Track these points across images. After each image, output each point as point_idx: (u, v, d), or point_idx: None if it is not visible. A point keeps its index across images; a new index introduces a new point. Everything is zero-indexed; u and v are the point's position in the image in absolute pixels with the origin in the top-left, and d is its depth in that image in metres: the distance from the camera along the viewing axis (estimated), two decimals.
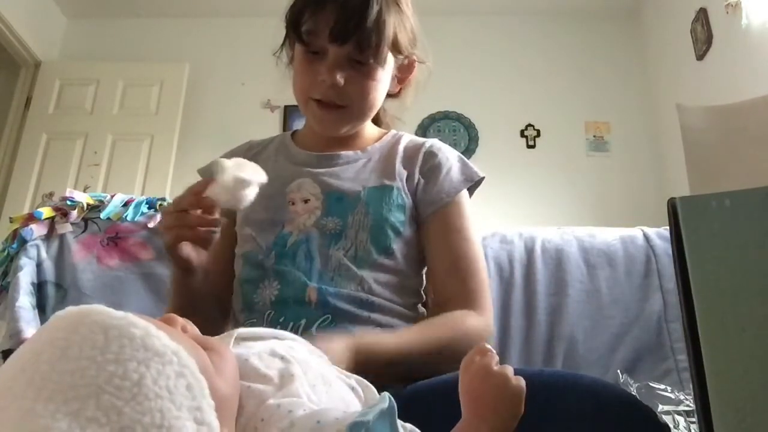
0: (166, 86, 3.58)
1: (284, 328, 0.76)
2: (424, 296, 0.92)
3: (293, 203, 0.89)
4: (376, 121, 1.03)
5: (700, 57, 2.94)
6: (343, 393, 0.53)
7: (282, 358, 0.51)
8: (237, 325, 0.86)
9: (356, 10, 0.81)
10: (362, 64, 0.85)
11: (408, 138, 1.00)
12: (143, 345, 0.35)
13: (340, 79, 0.84)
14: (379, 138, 0.99)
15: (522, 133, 3.62)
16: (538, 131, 3.61)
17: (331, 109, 0.88)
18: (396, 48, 0.88)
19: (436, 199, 0.90)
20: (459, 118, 3.63)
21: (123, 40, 3.85)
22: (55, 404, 0.31)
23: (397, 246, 0.87)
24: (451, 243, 0.88)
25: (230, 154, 0.99)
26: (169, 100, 3.55)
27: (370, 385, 0.57)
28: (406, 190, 0.91)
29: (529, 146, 3.60)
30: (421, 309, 0.91)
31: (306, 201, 0.89)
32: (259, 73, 3.73)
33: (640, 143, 3.52)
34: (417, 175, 0.92)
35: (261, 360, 0.49)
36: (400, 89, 0.98)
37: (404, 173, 0.92)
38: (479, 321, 0.83)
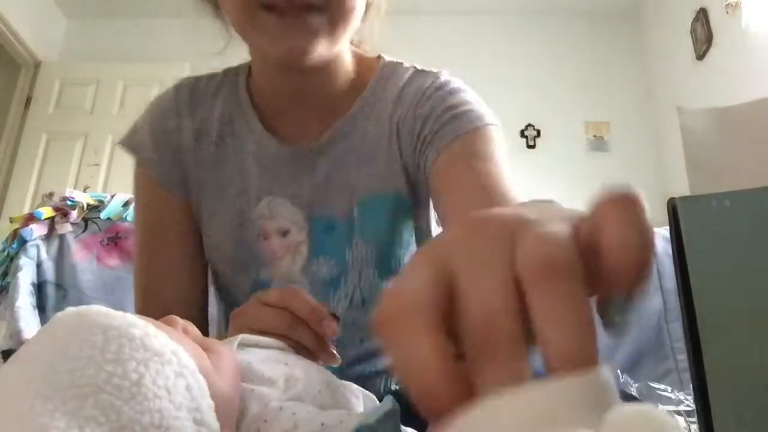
0: (166, 86, 3.55)
1: None
2: None
3: (265, 237, 0.66)
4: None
5: (700, 57, 2.94)
6: (344, 400, 0.53)
7: (285, 364, 0.51)
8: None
9: None
10: None
11: (411, 72, 0.71)
12: (142, 345, 0.35)
13: None
14: (363, 82, 0.69)
15: (522, 133, 3.62)
16: (538, 131, 3.61)
17: (299, 14, 0.56)
18: None
19: (458, 127, 0.64)
20: None
21: (123, 40, 3.86)
22: (54, 403, 0.31)
23: (408, 257, 0.69)
24: (476, 169, 0.61)
25: (161, 116, 0.72)
26: None
27: (370, 393, 0.57)
28: (407, 173, 0.67)
29: (529, 146, 3.60)
30: None
31: (284, 233, 0.66)
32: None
33: (640, 143, 3.52)
34: (420, 131, 0.66)
35: (264, 364, 0.49)
36: (370, 3, 0.68)
37: (403, 144, 0.67)
38: None
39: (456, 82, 0.71)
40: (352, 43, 0.72)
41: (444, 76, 0.71)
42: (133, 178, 0.72)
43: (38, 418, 0.30)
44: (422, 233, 0.71)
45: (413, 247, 0.70)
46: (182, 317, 0.68)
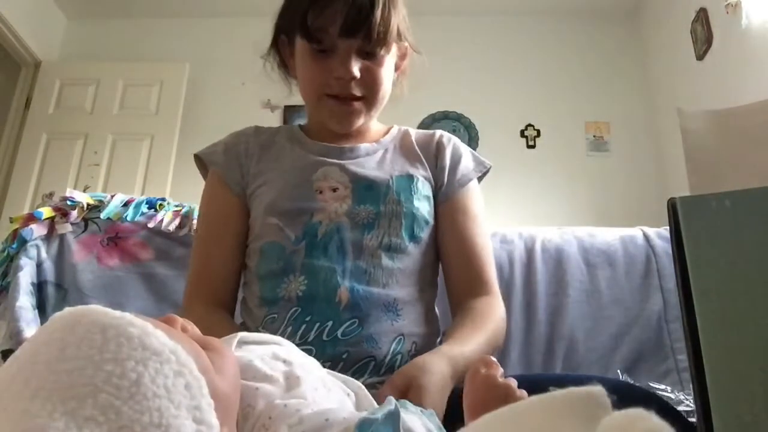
0: (166, 86, 3.59)
1: (310, 328, 0.77)
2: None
3: (321, 192, 0.88)
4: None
5: (700, 57, 2.94)
6: (340, 397, 0.54)
7: (284, 361, 0.52)
8: (254, 320, 0.84)
9: (365, 3, 0.83)
10: (371, 54, 0.87)
11: (414, 131, 1.03)
12: (141, 344, 0.35)
13: (357, 71, 0.85)
14: (387, 132, 1.02)
15: (522, 133, 3.62)
16: (538, 131, 3.61)
17: (349, 103, 0.89)
18: (399, 36, 0.91)
19: (452, 185, 0.94)
20: (459, 118, 3.63)
21: (123, 40, 3.86)
22: (53, 404, 0.31)
23: (424, 234, 0.89)
24: (462, 226, 0.91)
25: (235, 137, 1.00)
26: (169, 100, 3.56)
27: (363, 386, 0.58)
28: (429, 178, 0.94)
29: (529, 146, 3.60)
30: (436, 311, 0.91)
31: (334, 190, 0.88)
32: (259, 73, 3.73)
33: (640, 143, 3.52)
34: (435, 163, 0.96)
35: (264, 363, 0.50)
36: (396, 77, 0.99)
37: (424, 162, 0.95)
38: (499, 306, 0.88)
39: (454, 139, 1.02)
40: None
41: (444, 134, 1.02)
42: (207, 179, 0.98)
43: (37, 419, 0.30)
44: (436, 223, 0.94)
45: (431, 220, 0.91)
46: (227, 290, 0.88)
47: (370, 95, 0.89)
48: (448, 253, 0.91)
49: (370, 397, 0.57)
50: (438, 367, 0.68)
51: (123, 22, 3.91)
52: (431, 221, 0.91)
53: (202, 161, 0.99)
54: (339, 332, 0.77)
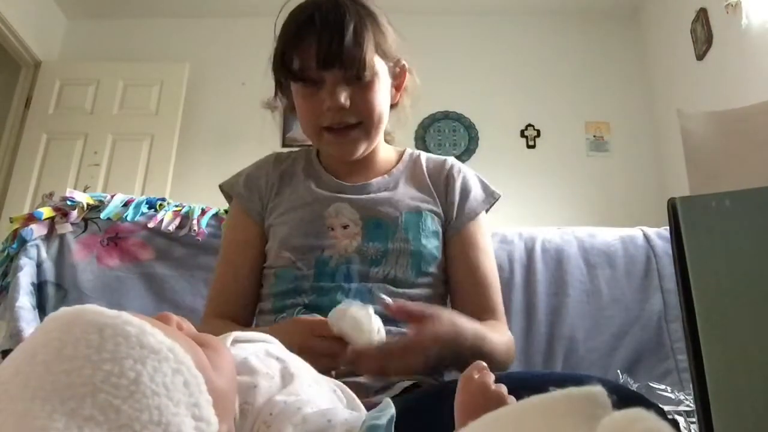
0: (166, 86, 3.58)
1: None
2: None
3: (332, 228, 0.91)
4: (387, 141, 1.06)
5: (700, 57, 2.94)
6: (330, 393, 0.54)
7: (278, 358, 0.52)
8: (263, 321, 0.90)
9: (334, 33, 0.84)
10: (359, 79, 0.87)
11: (425, 156, 1.04)
12: (139, 343, 0.35)
13: (344, 100, 0.86)
14: (398, 159, 1.03)
15: (522, 133, 3.62)
16: (538, 131, 3.61)
17: (345, 132, 0.90)
18: (384, 55, 0.91)
19: (461, 219, 0.96)
20: (459, 118, 3.63)
21: (123, 40, 3.85)
22: (52, 404, 0.31)
23: (432, 269, 0.92)
24: (472, 258, 0.94)
25: (255, 168, 1.03)
26: (169, 100, 3.55)
27: (347, 387, 0.59)
28: (438, 213, 0.95)
29: (529, 146, 3.60)
30: None
31: (345, 227, 0.91)
32: (259, 73, 3.72)
33: (640, 143, 3.52)
34: (445, 197, 0.98)
35: (259, 360, 0.50)
36: (399, 97, 1.00)
37: (434, 195, 0.97)
38: (507, 330, 0.91)
39: (464, 169, 1.03)
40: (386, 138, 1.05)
41: (455, 164, 1.03)
42: (229, 208, 1.05)
43: (37, 420, 0.30)
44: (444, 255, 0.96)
45: (439, 254, 0.93)
46: (243, 309, 0.93)
47: (365, 120, 0.90)
48: (457, 283, 0.94)
49: (352, 393, 0.58)
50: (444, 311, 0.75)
51: (123, 22, 3.91)
52: (439, 256, 0.93)
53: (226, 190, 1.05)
54: None
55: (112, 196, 1.37)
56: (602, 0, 3.68)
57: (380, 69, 0.90)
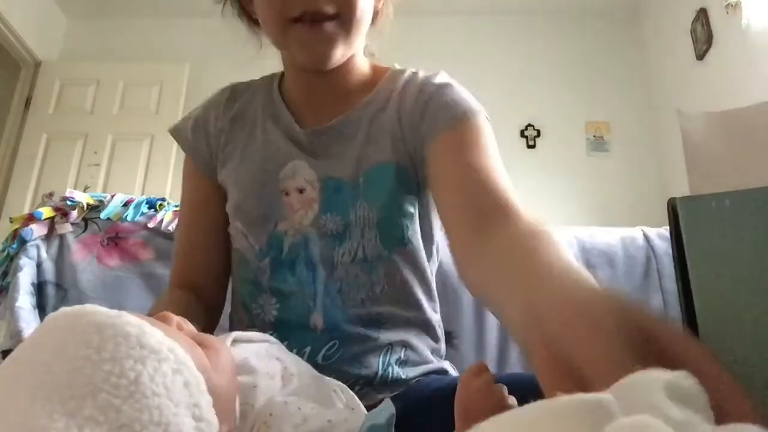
0: (166, 86, 3.58)
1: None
2: (433, 282, 0.81)
3: (287, 193, 0.75)
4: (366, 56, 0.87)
5: (700, 57, 2.94)
6: (330, 394, 0.54)
7: (278, 359, 0.53)
8: (241, 322, 0.80)
9: None
10: None
11: (408, 73, 0.82)
12: (139, 343, 0.35)
13: None
14: (374, 83, 0.82)
15: (522, 133, 3.62)
16: (538, 131, 3.61)
17: (320, 24, 0.70)
18: None
19: (447, 117, 0.72)
20: None
21: (123, 40, 3.86)
22: (52, 404, 0.31)
23: (411, 232, 0.75)
24: (465, 158, 0.66)
25: (205, 110, 0.86)
26: (169, 100, 3.56)
27: (347, 387, 0.58)
28: (410, 156, 0.75)
29: (529, 146, 3.60)
30: (429, 311, 0.79)
31: (301, 191, 0.75)
32: (258, 73, 3.73)
33: (640, 143, 3.52)
34: (419, 124, 0.74)
35: (260, 360, 0.50)
36: (381, 4, 0.82)
37: (405, 132, 0.75)
38: (531, 217, 0.56)
39: (451, 81, 0.80)
40: (366, 54, 0.86)
41: (441, 77, 0.80)
42: (184, 162, 0.87)
43: (37, 420, 0.30)
44: (425, 210, 0.79)
45: (416, 221, 0.76)
46: (211, 278, 0.80)
47: (344, 12, 0.70)
48: (448, 199, 0.66)
49: (351, 392, 0.58)
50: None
51: (123, 22, 3.91)
52: (416, 211, 0.76)
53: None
54: (319, 357, 0.70)
55: (112, 196, 1.37)
56: (602, 0, 3.68)
57: None
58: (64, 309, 0.37)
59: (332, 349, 0.71)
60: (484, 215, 0.59)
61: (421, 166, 0.74)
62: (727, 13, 2.59)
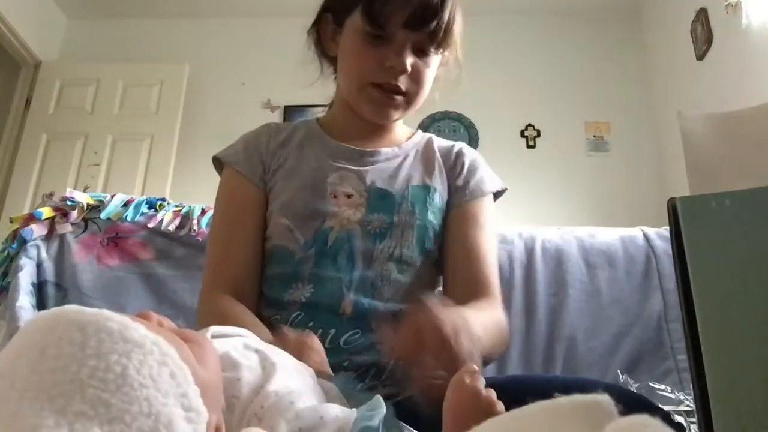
0: (166, 86, 3.58)
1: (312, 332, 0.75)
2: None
3: (335, 196, 0.87)
4: None
5: (700, 57, 2.94)
6: (310, 383, 0.55)
7: (256, 351, 0.53)
8: (261, 319, 0.82)
9: (436, 0, 0.82)
10: (425, 53, 0.86)
11: (438, 140, 1.01)
12: (122, 337, 0.35)
13: (410, 65, 0.84)
14: (410, 136, 1.00)
15: (522, 133, 3.62)
16: (538, 131, 3.61)
17: (393, 96, 0.87)
18: (453, 44, 0.90)
19: (466, 193, 0.92)
20: (459, 118, 3.63)
21: (123, 40, 3.86)
22: (40, 403, 0.31)
23: (433, 247, 0.88)
24: (470, 234, 0.89)
25: (254, 135, 0.97)
26: (169, 100, 3.56)
27: (319, 377, 0.59)
28: (443, 191, 0.92)
29: (529, 146, 3.60)
30: None
31: (349, 196, 0.87)
32: (259, 73, 3.73)
33: (640, 143, 3.52)
34: (452, 174, 0.94)
35: (239, 352, 0.51)
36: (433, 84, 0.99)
37: (443, 174, 0.94)
38: (501, 309, 0.85)
39: (476, 153, 1.01)
40: None
41: (464, 146, 1.01)
42: (222, 177, 0.96)
43: (27, 419, 0.30)
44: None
45: (440, 233, 0.90)
46: (247, 278, 0.88)
47: (413, 93, 0.87)
48: (452, 259, 0.89)
49: (331, 384, 0.59)
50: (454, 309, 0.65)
51: (123, 22, 3.91)
52: (440, 234, 0.90)
53: (221, 163, 0.96)
54: (341, 341, 0.77)
55: (112, 196, 1.37)
56: (602, 0, 3.68)
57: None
58: (43, 312, 0.37)
59: (355, 335, 0.78)
60: (473, 284, 0.85)
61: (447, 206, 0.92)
62: (727, 13, 2.59)
